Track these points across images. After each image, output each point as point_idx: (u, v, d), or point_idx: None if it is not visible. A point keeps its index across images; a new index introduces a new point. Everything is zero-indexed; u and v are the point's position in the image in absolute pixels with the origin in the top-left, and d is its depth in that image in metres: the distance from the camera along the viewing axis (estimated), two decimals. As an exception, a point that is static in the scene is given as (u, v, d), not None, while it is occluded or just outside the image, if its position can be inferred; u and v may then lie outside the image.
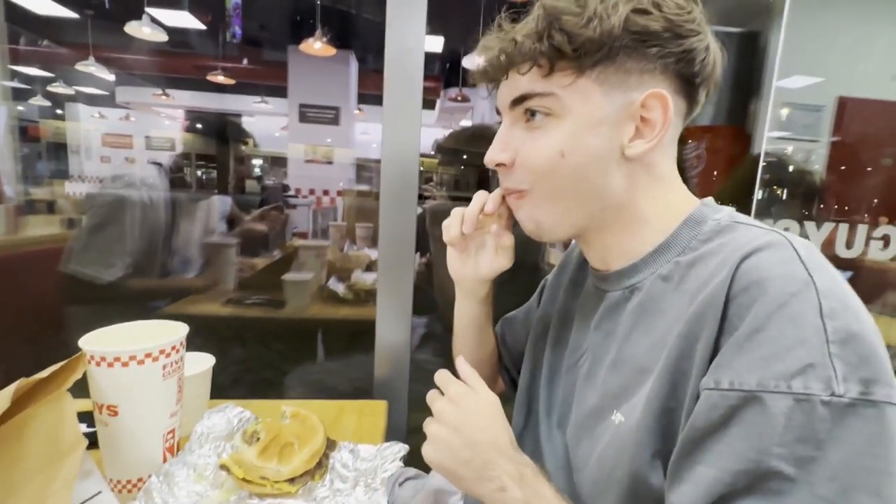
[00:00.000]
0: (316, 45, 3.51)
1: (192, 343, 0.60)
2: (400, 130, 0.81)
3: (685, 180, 0.46)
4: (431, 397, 0.46)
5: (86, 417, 0.47)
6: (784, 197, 1.64)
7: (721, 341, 0.33)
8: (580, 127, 0.40)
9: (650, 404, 0.36)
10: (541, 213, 0.44)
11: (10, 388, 0.37)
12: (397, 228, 0.83)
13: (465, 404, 0.43)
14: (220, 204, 1.45)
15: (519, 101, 0.42)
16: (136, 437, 0.48)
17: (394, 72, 0.79)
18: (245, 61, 4.99)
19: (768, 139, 1.60)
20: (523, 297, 0.71)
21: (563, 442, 0.48)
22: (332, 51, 3.60)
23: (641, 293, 0.42)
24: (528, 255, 1.29)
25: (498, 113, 0.46)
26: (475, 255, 0.57)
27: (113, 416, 0.46)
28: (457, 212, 0.54)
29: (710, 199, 0.44)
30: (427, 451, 0.43)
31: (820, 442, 0.28)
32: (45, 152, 4.72)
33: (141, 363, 0.46)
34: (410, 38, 0.79)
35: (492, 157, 0.45)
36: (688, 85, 0.41)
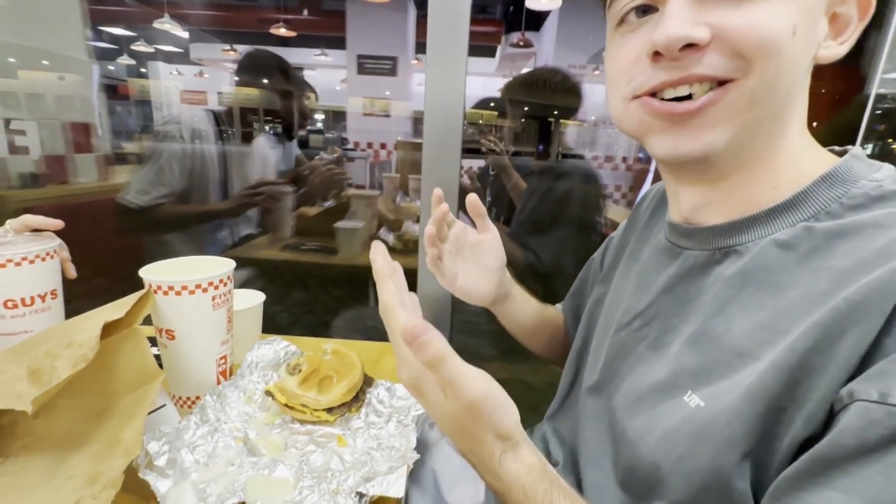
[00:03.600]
0: (373, -9, 3.42)
1: (255, 285, 0.67)
2: (444, 77, 0.77)
3: None
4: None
5: (151, 342, 0.53)
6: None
7: (886, 342, 0.27)
8: (809, 2, 0.31)
9: (753, 399, 0.30)
10: (733, 117, 0.32)
11: (97, 332, 0.42)
12: (441, 178, 0.82)
13: (440, 422, 0.35)
14: (277, 151, 1.48)
15: None
16: (192, 359, 0.52)
17: (438, 13, 0.74)
18: (305, 12, 4.99)
19: (886, 81, 1.34)
20: (582, 256, 0.68)
21: (606, 407, 0.43)
22: (389, -4, 3.49)
23: (744, 259, 0.35)
24: (586, 211, 1.22)
25: None
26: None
27: (171, 339, 0.51)
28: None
29: (859, 150, 0.35)
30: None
31: None
32: (134, 109, 5.14)
33: (192, 293, 0.49)
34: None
35: (680, 31, 0.31)
36: None
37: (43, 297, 0.52)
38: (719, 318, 0.35)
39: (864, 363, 0.27)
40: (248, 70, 1.36)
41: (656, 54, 0.33)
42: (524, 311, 0.63)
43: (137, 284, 0.50)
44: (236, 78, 1.37)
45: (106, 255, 1.15)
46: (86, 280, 0.63)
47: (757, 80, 0.31)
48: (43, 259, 0.52)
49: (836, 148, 0.37)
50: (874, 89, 1.22)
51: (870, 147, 1.34)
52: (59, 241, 0.60)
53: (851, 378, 0.27)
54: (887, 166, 0.34)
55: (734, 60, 0.31)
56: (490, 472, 0.34)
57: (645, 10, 0.35)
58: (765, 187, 0.35)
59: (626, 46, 0.36)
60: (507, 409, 0.34)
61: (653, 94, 0.35)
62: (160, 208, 1.17)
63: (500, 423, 0.33)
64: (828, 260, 0.31)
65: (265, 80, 1.33)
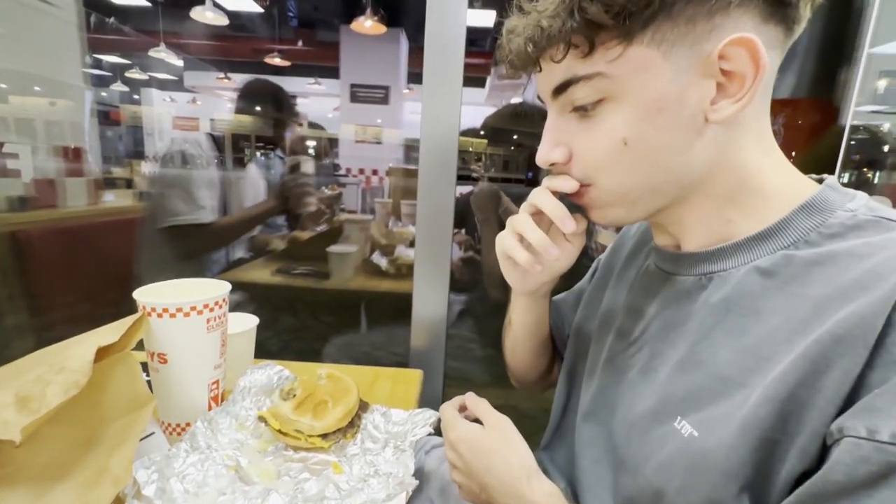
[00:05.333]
0: (367, 24, 3.53)
1: (246, 309, 0.66)
2: (440, 105, 0.80)
3: None
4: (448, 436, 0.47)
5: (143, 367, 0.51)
6: (876, 180, 1.45)
7: (871, 376, 0.27)
8: (641, 104, 0.33)
9: (747, 432, 0.30)
10: (611, 205, 0.39)
11: (90, 357, 0.41)
12: (436, 204, 0.83)
13: (465, 450, 0.45)
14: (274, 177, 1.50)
15: (561, 89, 0.36)
16: (184, 384, 0.51)
17: (434, 45, 0.77)
18: (300, 43, 5.12)
19: (858, 113, 1.42)
20: (571, 280, 0.68)
21: (602, 434, 0.44)
22: (382, 29, 3.61)
23: (728, 286, 0.36)
24: None
25: (541, 100, 0.41)
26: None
27: (163, 363, 0.50)
28: (524, 228, 0.43)
29: (833, 179, 0.37)
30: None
31: None
32: (124, 135, 5.15)
33: (187, 315, 0.49)
34: (452, 8, 0.76)
35: (545, 156, 0.39)
36: (781, 3, 0.32)
37: None
38: (705, 344, 0.36)
39: (852, 397, 0.27)
40: (248, 100, 1.38)
41: None
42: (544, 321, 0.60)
43: (127, 310, 0.49)
44: (231, 105, 1.40)
45: (96, 279, 1.14)
46: (75, 304, 0.62)
47: (608, 182, 0.37)
48: None
49: (814, 176, 0.38)
50: (848, 121, 1.29)
51: (847, 176, 1.40)
52: None
53: (841, 412, 0.27)
54: (860, 195, 0.35)
55: (587, 171, 0.38)
56: (517, 496, 0.41)
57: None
58: (725, 220, 0.37)
59: None
60: (523, 440, 0.44)
61: None
62: (218, 222, 1.19)
63: (523, 448, 0.43)
64: (805, 287, 0.32)
65: (262, 110, 1.36)
